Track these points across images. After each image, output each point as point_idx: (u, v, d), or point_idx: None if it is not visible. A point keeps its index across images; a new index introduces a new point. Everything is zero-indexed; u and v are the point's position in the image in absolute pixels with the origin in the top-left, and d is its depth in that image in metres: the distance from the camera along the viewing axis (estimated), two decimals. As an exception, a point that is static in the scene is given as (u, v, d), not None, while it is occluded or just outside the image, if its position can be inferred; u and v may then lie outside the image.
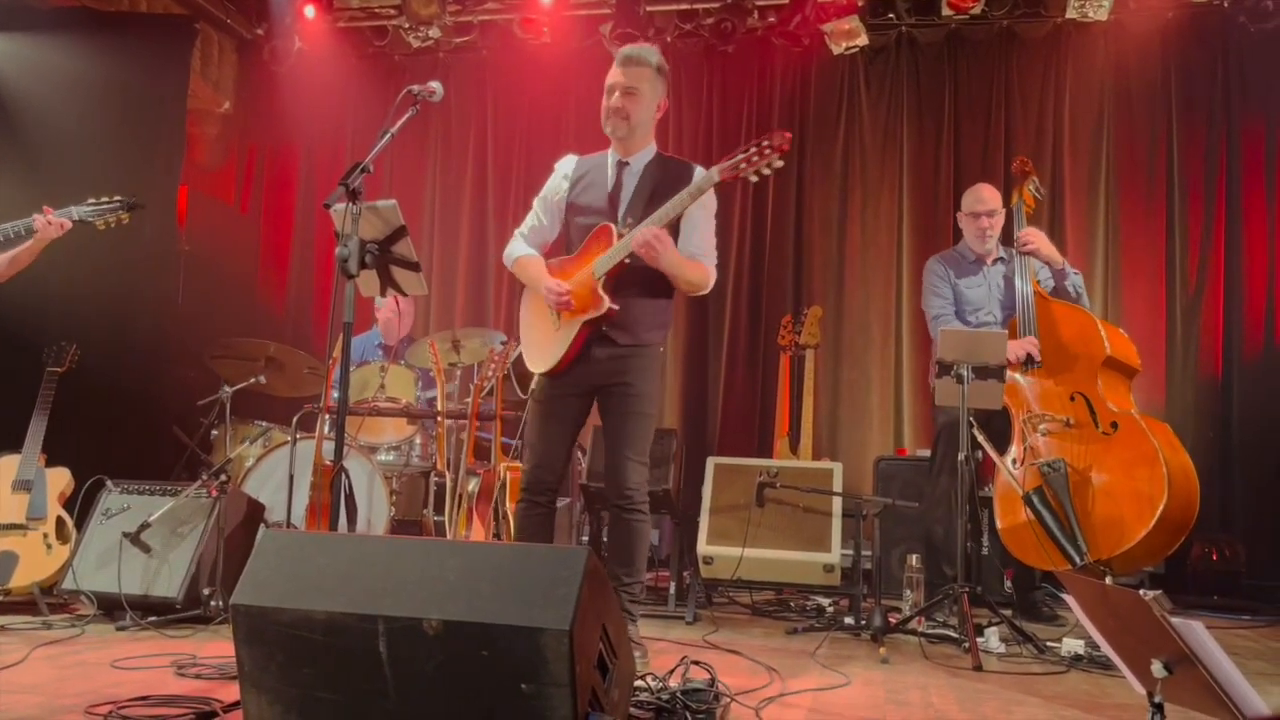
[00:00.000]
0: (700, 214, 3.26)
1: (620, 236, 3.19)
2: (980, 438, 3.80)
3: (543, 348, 3.32)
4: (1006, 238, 4.60)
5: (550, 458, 3.32)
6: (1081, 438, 3.98)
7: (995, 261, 4.59)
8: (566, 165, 3.46)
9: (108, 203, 3.80)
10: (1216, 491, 5.47)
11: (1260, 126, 5.86)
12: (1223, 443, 5.70)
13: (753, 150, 3.00)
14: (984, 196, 4.60)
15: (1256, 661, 3.67)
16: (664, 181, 3.21)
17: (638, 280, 3.21)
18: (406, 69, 6.98)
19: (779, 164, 2.99)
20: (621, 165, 3.33)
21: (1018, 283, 4.32)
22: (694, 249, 3.25)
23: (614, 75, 3.28)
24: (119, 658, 3.00)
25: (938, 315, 4.53)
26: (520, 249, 3.45)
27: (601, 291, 3.16)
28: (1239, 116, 5.92)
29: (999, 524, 4.10)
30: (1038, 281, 4.36)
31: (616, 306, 3.16)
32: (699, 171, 3.24)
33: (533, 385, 3.44)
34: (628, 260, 3.16)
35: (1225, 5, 5.87)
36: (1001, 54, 6.34)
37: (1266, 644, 4.10)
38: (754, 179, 3.04)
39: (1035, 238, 4.37)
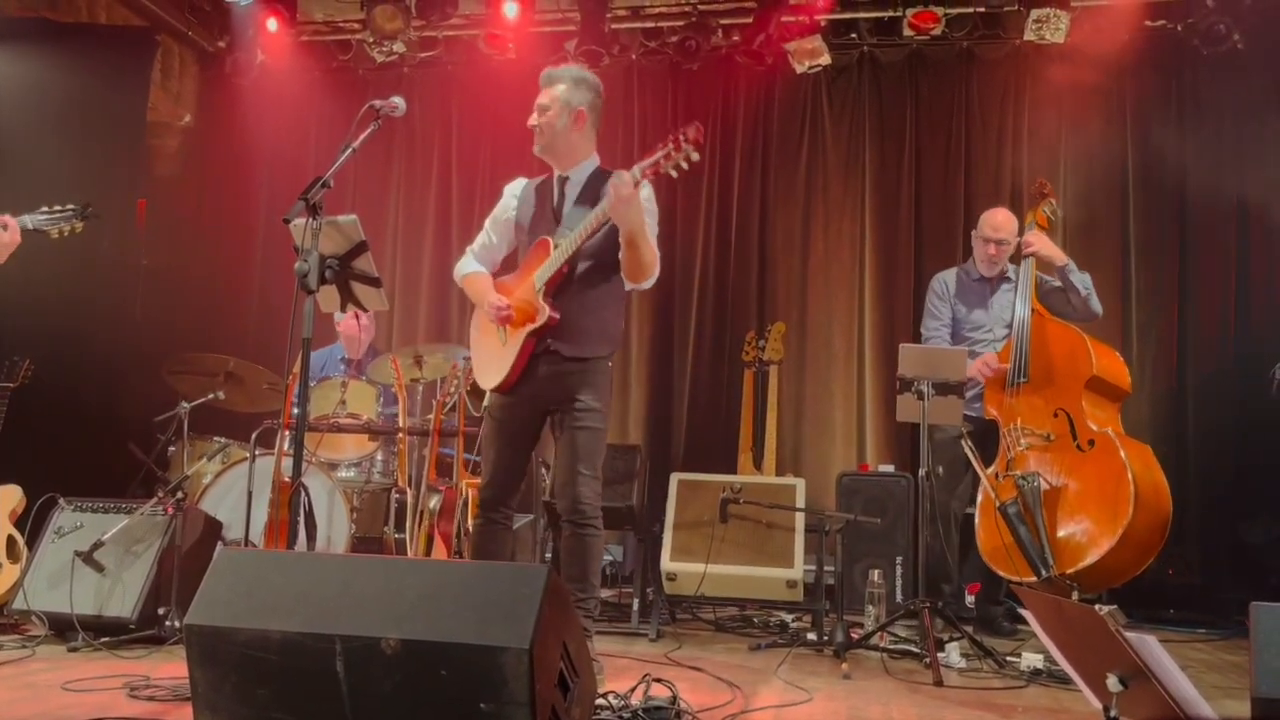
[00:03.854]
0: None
1: (557, 247, 3.23)
2: (967, 448, 3.83)
3: (491, 364, 3.36)
4: (1015, 256, 4.64)
5: (504, 475, 3.34)
6: (1060, 453, 4.03)
7: (1001, 282, 4.64)
8: (515, 187, 3.52)
9: (61, 211, 3.72)
10: (1173, 507, 5.53)
11: (1213, 146, 5.96)
12: (1178, 459, 5.77)
13: (670, 146, 3.00)
14: (999, 223, 4.63)
15: (1211, 675, 3.72)
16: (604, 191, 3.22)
17: (579, 290, 3.24)
18: (370, 83, 6.94)
19: (695, 156, 2.97)
20: (563, 180, 3.38)
21: (1018, 304, 4.36)
22: None
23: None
24: (70, 679, 2.94)
25: (929, 338, 4.59)
26: (470, 266, 3.51)
27: (541, 301, 3.19)
28: (1193, 137, 6.03)
29: (983, 545, 4.13)
30: (1039, 289, 4.37)
31: (557, 315, 3.18)
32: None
33: (485, 402, 3.46)
34: (565, 268, 3.21)
35: (1179, 29, 5.97)
36: (962, 74, 6.42)
37: (1221, 657, 4.16)
38: (673, 173, 3.03)
39: (1037, 240, 4.41)
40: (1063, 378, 4.15)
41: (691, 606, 4.76)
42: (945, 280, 4.74)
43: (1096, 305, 4.47)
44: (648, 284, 3.30)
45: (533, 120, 3.35)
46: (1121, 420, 4.22)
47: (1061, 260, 4.41)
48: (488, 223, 3.54)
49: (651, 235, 3.24)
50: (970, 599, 4.69)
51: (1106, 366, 4.13)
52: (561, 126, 3.31)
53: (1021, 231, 4.55)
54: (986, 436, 4.23)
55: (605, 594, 5.16)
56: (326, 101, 6.97)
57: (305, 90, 6.95)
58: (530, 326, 3.20)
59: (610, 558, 5.80)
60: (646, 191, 3.26)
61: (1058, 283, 4.47)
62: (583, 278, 3.23)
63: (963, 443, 3.81)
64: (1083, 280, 4.44)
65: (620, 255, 3.19)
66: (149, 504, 3.80)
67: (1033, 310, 4.31)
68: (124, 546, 3.71)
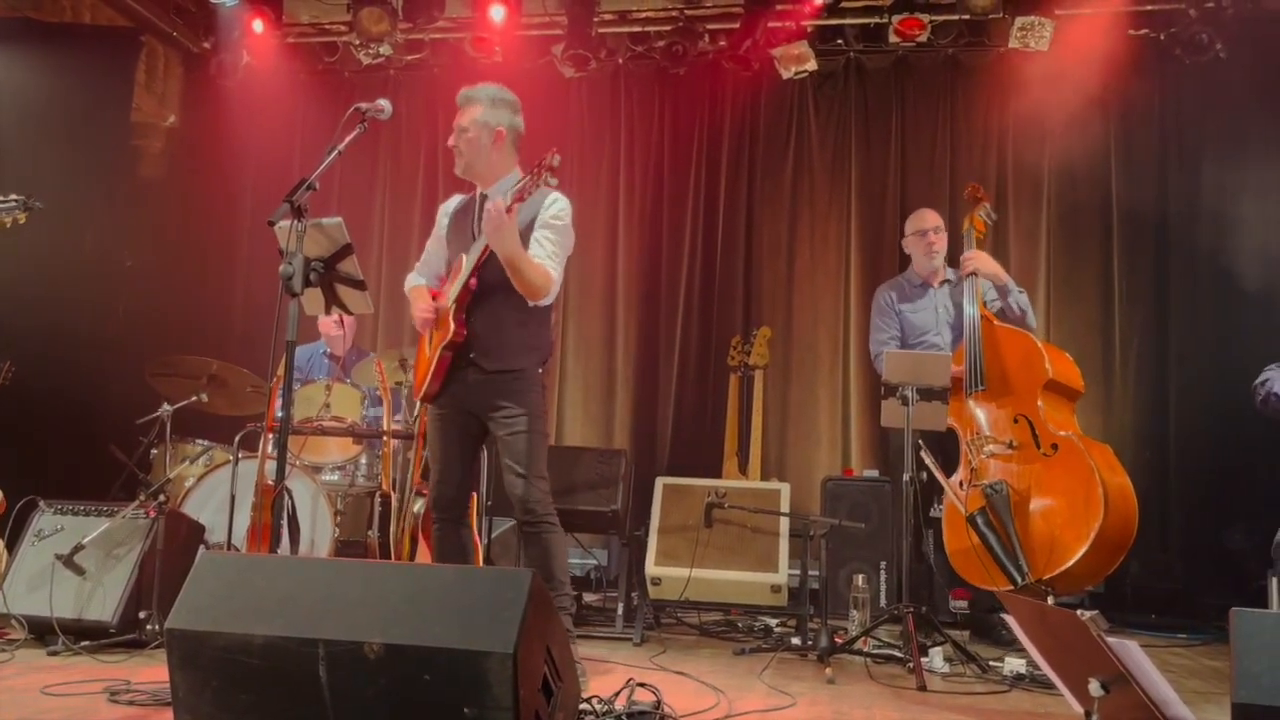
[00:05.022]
0: (545, 225, 3.30)
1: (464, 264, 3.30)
2: (927, 459, 3.84)
3: (422, 373, 3.42)
4: (954, 260, 4.68)
5: (447, 475, 3.40)
6: (1023, 459, 4.04)
7: (942, 284, 4.67)
8: (448, 204, 3.62)
9: (2, 201, 3.72)
10: (1154, 511, 5.57)
11: (1196, 153, 6.01)
12: (1160, 463, 5.82)
13: (532, 173, 3.09)
14: (927, 215, 4.76)
15: (1192, 680, 3.74)
16: (521, 209, 3.25)
17: (491, 307, 3.29)
18: (357, 86, 6.93)
19: (553, 182, 3.11)
20: (483, 198, 3.42)
21: (966, 306, 4.39)
22: (534, 252, 3.27)
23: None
24: (50, 684, 2.91)
25: (877, 354, 4.60)
26: (413, 280, 3.62)
27: (450, 319, 3.25)
28: (1174, 143, 6.08)
29: (948, 546, 4.15)
30: (984, 304, 4.42)
31: (464, 331, 3.25)
32: (549, 196, 3.34)
33: (418, 410, 3.51)
34: (473, 284, 3.26)
35: (1162, 38, 6.02)
36: (947, 81, 6.46)
37: (1202, 662, 4.18)
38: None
39: (977, 259, 4.46)
40: (1019, 383, 4.17)
41: (676, 611, 4.76)
42: (889, 294, 4.77)
43: (1032, 321, 4.53)
44: (544, 302, 3.31)
45: (452, 141, 3.40)
46: (1077, 419, 4.25)
47: (1002, 279, 4.47)
48: (429, 240, 3.63)
49: (552, 255, 3.27)
50: (954, 604, 4.70)
51: (1061, 370, 4.17)
52: (481, 148, 3.36)
53: (959, 235, 4.60)
54: (944, 442, 4.23)
55: (590, 598, 5.16)
56: (312, 103, 6.95)
57: (291, 92, 6.93)
58: (445, 342, 3.26)
59: (595, 562, 5.80)
60: (557, 207, 3.33)
61: (994, 297, 4.51)
62: (494, 295, 3.28)
63: (921, 453, 3.82)
64: (1019, 301, 4.49)
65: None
66: (130, 507, 3.77)
67: (981, 316, 4.34)
68: (105, 550, 3.68)
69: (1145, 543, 4.42)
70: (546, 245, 3.27)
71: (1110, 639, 2.16)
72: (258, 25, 6.51)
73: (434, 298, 3.44)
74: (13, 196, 3.72)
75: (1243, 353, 5.20)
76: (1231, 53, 5.84)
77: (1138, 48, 6.11)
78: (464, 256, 3.32)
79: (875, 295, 4.83)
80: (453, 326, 3.23)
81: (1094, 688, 2.23)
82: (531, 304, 3.29)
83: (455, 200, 3.60)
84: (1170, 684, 2.18)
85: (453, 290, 3.29)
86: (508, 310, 3.28)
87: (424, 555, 4.08)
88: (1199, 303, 5.88)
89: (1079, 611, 2.25)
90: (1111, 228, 6.14)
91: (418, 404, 3.55)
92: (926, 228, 4.68)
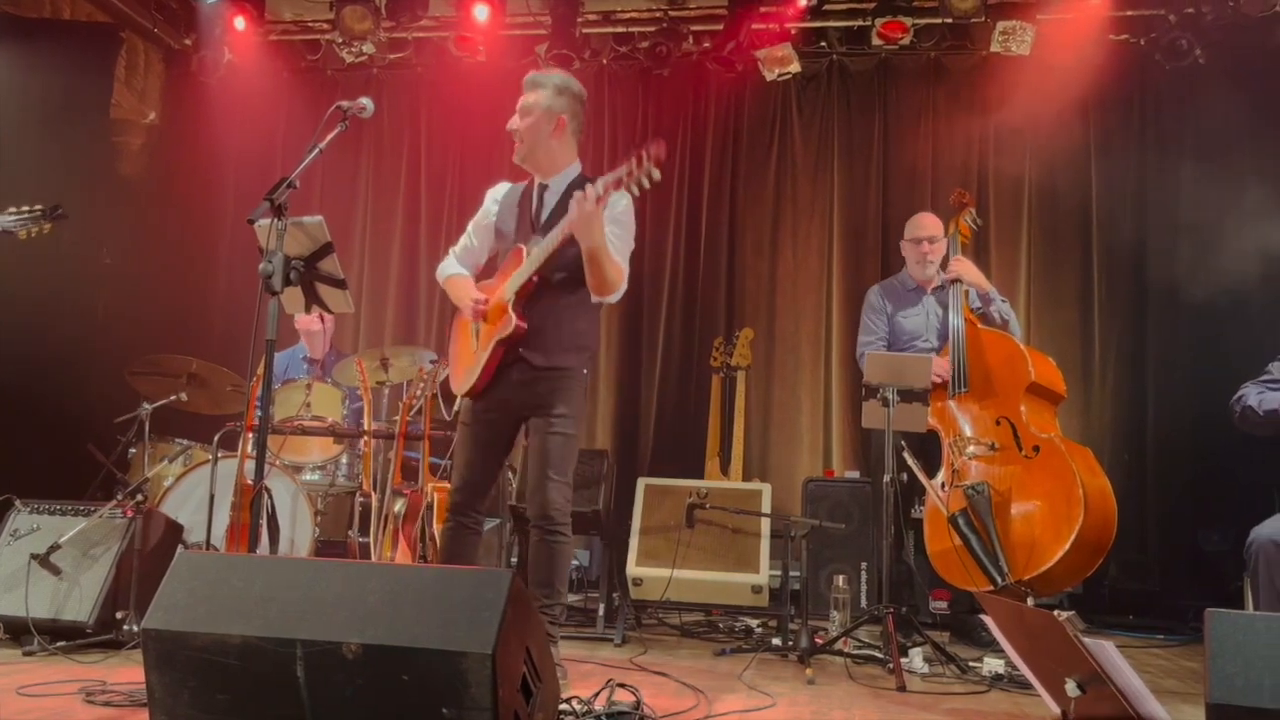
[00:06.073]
0: (613, 221, 3.24)
1: (528, 256, 3.23)
2: (910, 460, 3.86)
3: (463, 369, 3.36)
4: (944, 264, 4.70)
5: (474, 480, 3.35)
6: (1005, 461, 4.06)
7: (935, 290, 4.68)
8: (497, 191, 3.52)
9: (29, 212, 3.68)
10: (1132, 513, 5.59)
11: (1175, 159, 6.05)
12: (1138, 466, 5.86)
13: (633, 162, 2.98)
14: (924, 223, 4.72)
15: (1168, 680, 3.76)
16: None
17: (550, 301, 3.24)
18: (339, 84, 6.90)
19: (656, 175, 2.96)
20: (543, 189, 3.38)
21: (950, 315, 4.41)
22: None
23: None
24: (25, 684, 2.89)
25: (862, 354, 4.61)
26: (453, 267, 3.52)
27: (511, 311, 3.19)
28: (1153, 148, 6.13)
29: (929, 547, 4.16)
30: (970, 310, 4.44)
31: (524, 324, 3.18)
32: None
33: (456, 407, 3.46)
34: (535, 278, 3.20)
35: (1142, 44, 6.08)
36: (929, 84, 6.49)
37: (1179, 663, 4.21)
38: (635, 190, 3.03)
39: (961, 266, 4.48)
40: (1002, 386, 4.20)
41: (657, 611, 4.76)
42: (881, 295, 4.77)
43: (1015, 329, 4.55)
44: (613, 299, 3.28)
45: (513, 124, 3.33)
46: (1058, 424, 4.28)
47: (985, 288, 4.50)
48: (470, 226, 3.55)
49: (620, 251, 3.23)
50: (933, 605, 4.72)
51: (1043, 372, 4.20)
52: (543, 135, 3.30)
53: (947, 239, 4.62)
54: (926, 444, 4.26)
55: (571, 598, 5.14)
56: (295, 101, 6.92)
57: (273, 90, 6.89)
58: (499, 335, 3.21)
59: (577, 562, 5.79)
60: (623, 204, 3.25)
61: (979, 305, 4.54)
62: (554, 289, 3.24)
63: (904, 454, 3.83)
64: (1001, 310, 4.51)
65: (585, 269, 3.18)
66: (108, 506, 3.74)
67: (965, 320, 4.37)
68: (82, 549, 3.65)
69: (1123, 544, 4.44)
70: (615, 242, 3.21)
71: (1086, 639, 2.18)
72: (239, 22, 6.49)
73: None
74: (37, 206, 3.66)
75: (1220, 356, 5.26)
76: (1211, 58, 5.90)
77: (1118, 53, 6.15)
78: (525, 248, 3.25)
79: (867, 294, 4.82)
80: (514, 320, 3.16)
81: (1070, 688, 2.25)
82: (595, 300, 3.25)
83: (505, 187, 3.51)
84: (1146, 684, 2.20)
85: (513, 282, 3.22)
86: (564, 306, 3.25)
87: (404, 556, 4.07)
88: (1178, 306, 5.91)
89: (1056, 612, 2.27)
90: (1091, 231, 6.18)
91: (458, 400, 3.47)
92: (922, 236, 4.66)
